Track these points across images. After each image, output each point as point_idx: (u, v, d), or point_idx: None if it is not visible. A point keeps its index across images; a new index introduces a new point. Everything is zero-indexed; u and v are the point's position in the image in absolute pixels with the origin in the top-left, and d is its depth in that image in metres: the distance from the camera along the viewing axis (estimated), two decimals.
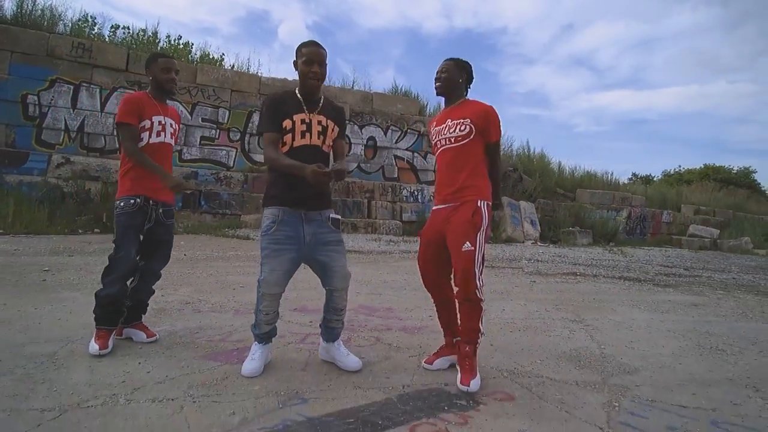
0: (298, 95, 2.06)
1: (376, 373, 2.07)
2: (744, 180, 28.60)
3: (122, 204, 2.24)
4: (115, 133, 8.82)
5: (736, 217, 18.05)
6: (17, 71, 8.37)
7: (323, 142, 2.06)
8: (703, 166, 30.97)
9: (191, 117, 9.68)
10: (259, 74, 10.62)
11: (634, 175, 33.32)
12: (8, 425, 1.42)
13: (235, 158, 10.06)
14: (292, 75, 15.53)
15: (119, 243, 2.23)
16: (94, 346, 2.10)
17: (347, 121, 10.97)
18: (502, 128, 2.20)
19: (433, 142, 2.26)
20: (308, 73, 2.02)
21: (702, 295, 5.00)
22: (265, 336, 2.08)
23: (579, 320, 3.37)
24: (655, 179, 31.70)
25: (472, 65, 2.24)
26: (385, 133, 11.33)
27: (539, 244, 11.17)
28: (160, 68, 2.34)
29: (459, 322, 2.10)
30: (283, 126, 1.99)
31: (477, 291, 1.99)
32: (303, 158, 1.92)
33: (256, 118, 10.20)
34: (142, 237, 2.30)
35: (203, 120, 9.81)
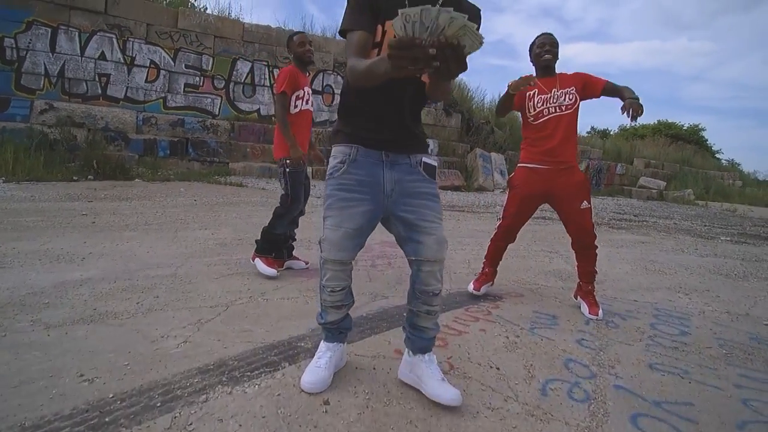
0: None
1: None
2: (693, 136, 30.25)
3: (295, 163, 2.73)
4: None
5: (683, 170, 19.59)
6: None
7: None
8: (656, 122, 32.41)
9: (174, 63, 9.64)
10: (242, 20, 10.52)
11: (592, 128, 34.72)
12: (197, 314, 2.03)
13: (220, 106, 10.17)
14: (275, 23, 15.19)
15: (294, 195, 2.76)
16: (270, 270, 2.70)
17: (331, 72, 11.20)
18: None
19: (538, 109, 2.49)
20: None
21: (648, 236, 5.99)
22: (335, 329, 1.61)
23: (554, 251, 4.20)
24: (611, 133, 33.25)
25: None
26: None
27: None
28: (296, 44, 2.76)
29: (578, 266, 2.63)
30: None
31: (596, 241, 2.56)
32: (389, 88, 1.34)
33: (240, 65, 10.25)
34: None
35: (186, 67, 9.78)
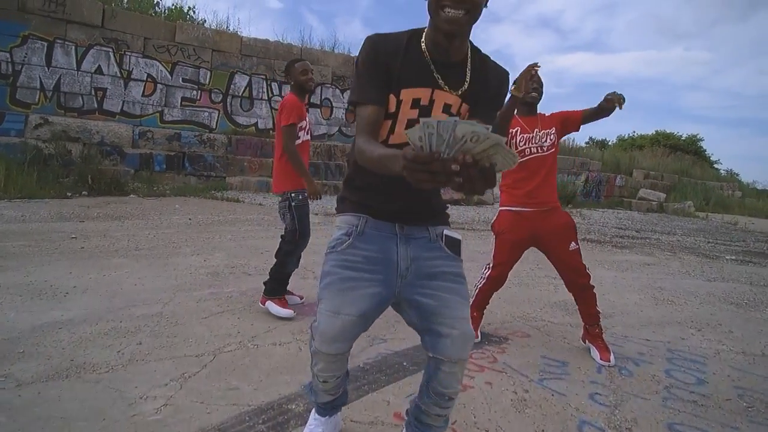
0: (425, 49, 1.16)
1: None
2: (691, 146, 30.23)
3: (299, 197, 2.63)
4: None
5: (682, 181, 19.55)
6: None
7: None
8: (654, 132, 32.39)
9: (171, 77, 9.56)
10: (240, 33, 10.48)
11: (590, 138, 34.77)
12: (181, 366, 1.89)
13: (217, 120, 10.08)
14: (274, 36, 15.08)
15: (303, 230, 2.64)
16: (286, 311, 2.56)
17: (329, 85, 11.14)
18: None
19: (521, 148, 2.38)
20: None
21: (653, 256, 5.87)
22: (327, 406, 1.45)
23: (558, 277, 4.06)
24: (610, 143, 33.31)
25: None
26: None
27: None
28: (299, 72, 2.65)
29: (579, 309, 2.48)
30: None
31: (590, 280, 2.42)
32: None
33: (238, 79, 10.18)
34: None
35: (184, 80, 9.70)
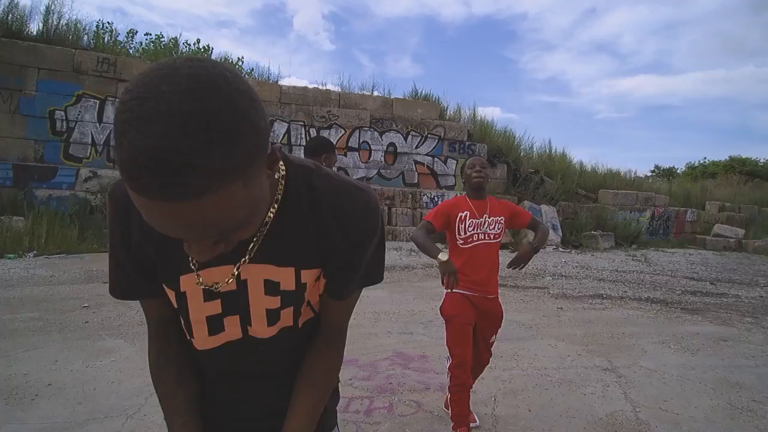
0: None
1: None
2: None
3: None
4: None
5: (762, 213, 17.53)
6: (44, 87, 8.56)
7: (293, 322, 0.77)
8: (728, 159, 30.07)
9: None
10: (279, 83, 10.67)
11: (656, 167, 32.65)
12: None
13: None
14: (312, 81, 15.42)
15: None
16: None
17: (367, 128, 11.01)
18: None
19: (469, 234, 2.36)
20: None
21: (730, 325, 4.95)
22: None
23: (611, 369, 3.40)
24: (678, 171, 31.08)
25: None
26: (405, 139, 11.30)
27: (561, 249, 11.09)
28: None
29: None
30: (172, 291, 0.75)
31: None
32: (226, 381, 0.82)
33: (277, 126, 10.28)
34: None
35: None
